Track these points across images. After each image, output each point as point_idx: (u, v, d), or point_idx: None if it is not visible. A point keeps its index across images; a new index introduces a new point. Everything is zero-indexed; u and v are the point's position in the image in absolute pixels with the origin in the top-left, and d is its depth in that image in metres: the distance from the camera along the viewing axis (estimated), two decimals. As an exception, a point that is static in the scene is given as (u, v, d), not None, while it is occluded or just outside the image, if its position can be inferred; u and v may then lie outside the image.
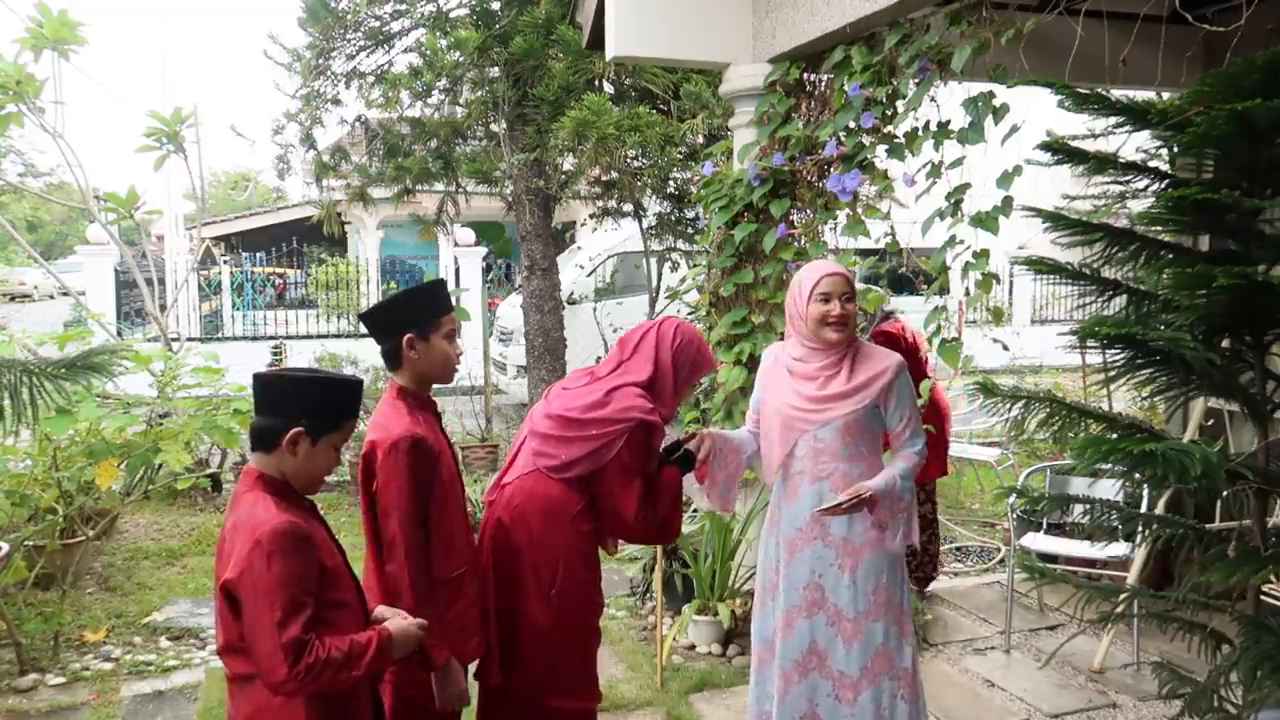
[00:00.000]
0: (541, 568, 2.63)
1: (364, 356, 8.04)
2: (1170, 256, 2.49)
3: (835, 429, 2.76)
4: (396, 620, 2.14)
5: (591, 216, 8.95)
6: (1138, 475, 2.57)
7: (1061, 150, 2.53)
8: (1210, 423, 4.55)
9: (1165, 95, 3.35)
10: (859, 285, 3.26)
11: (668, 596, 4.48)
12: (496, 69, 7.48)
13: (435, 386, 2.61)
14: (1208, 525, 2.80)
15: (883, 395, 2.75)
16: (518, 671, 2.65)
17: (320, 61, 7.92)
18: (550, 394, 2.85)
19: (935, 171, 3.54)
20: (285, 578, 1.91)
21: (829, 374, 2.78)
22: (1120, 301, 2.60)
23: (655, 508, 2.70)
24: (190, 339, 10.05)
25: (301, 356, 8.36)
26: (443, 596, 2.46)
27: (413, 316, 2.49)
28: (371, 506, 2.43)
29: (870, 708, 2.79)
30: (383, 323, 2.50)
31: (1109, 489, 4.08)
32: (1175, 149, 2.52)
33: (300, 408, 2.06)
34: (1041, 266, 2.58)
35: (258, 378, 2.10)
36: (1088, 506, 2.73)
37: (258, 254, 16.99)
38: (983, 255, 3.52)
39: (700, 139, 7.31)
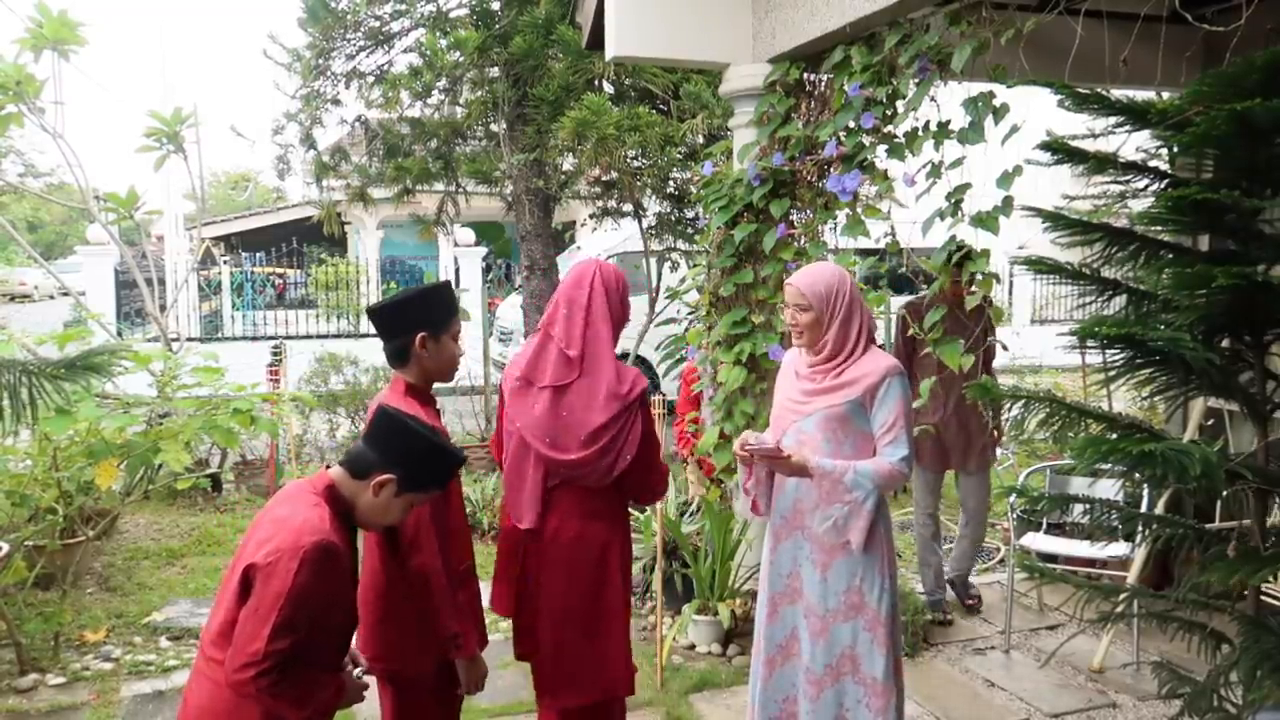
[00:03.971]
0: (616, 562, 2.82)
1: (364, 356, 8.03)
2: (1170, 256, 2.49)
3: (817, 421, 2.78)
4: (353, 678, 2.21)
5: (591, 216, 8.95)
6: (1137, 475, 2.58)
7: (1061, 150, 2.53)
8: (1210, 422, 4.55)
9: (1165, 95, 3.35)
10: (860, 285, 3.25)
11: (667, 596, 4.48)
12: (496, 69, 7.48)
13: (435, 385, 2.62)
14: (1207, 525, 2.80)
15: (867, 397, 2.74)
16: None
17: (320, 61, 7.92)
18: (546, 408, 2.75)
19: (935, 171, 3.54)
20: (302, 592, 1.93)
21: (824, 373, 2.82)
22: (1120, 301, 2.60)
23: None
24: (190, 339, 10.06)
25: (302, 356, 8.33)
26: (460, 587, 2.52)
27: (426, 315, 2.50)
28: None
29: (831, 707, 2.79)
30: (395, 320, 2.51)
31: (1109, 489, 4.08)
32: (1175, 149, 2.52)
33: (404, 459, 2.09)
34: (1041, 266, 2.58)
35: (383, 410, 2.15)
36: (1088, 506, 2.73)
37: (258, 254, 17.02)
38: (983, 255, 3.52)
39: (700, 139, 7.30)
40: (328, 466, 2.18)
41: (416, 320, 2.49)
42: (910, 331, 4.04)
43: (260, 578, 1.93)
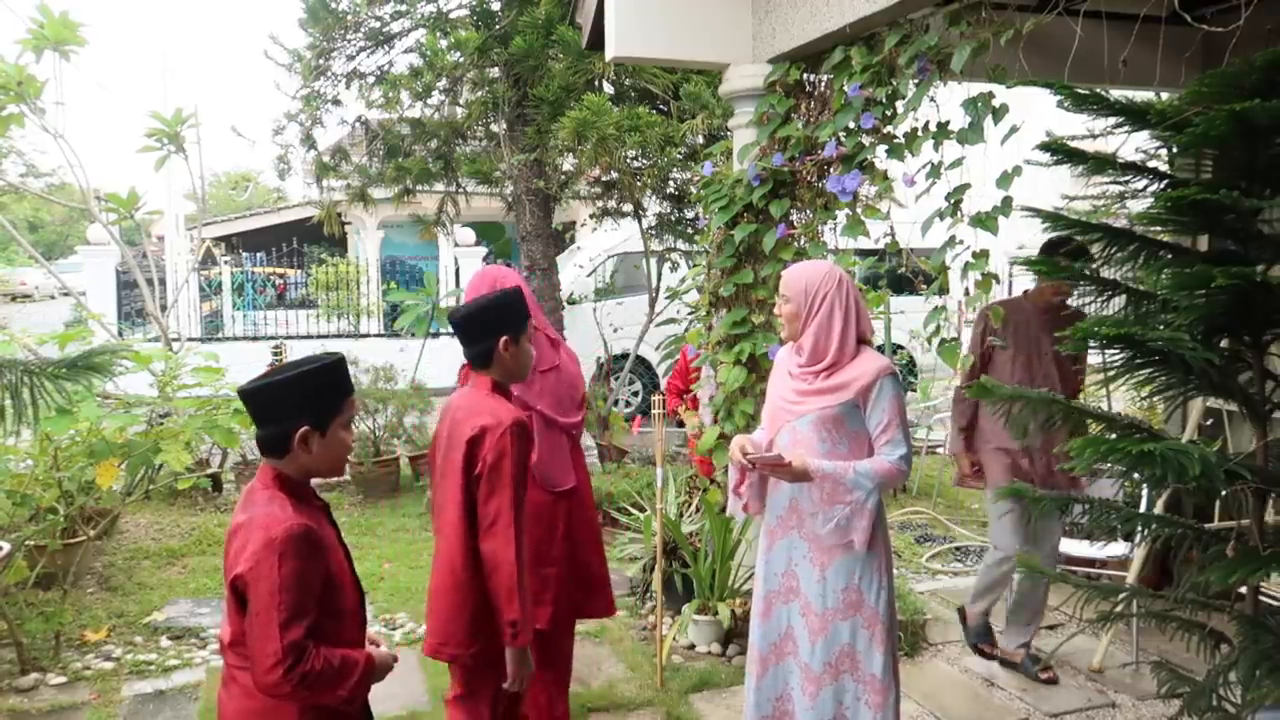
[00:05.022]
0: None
1: (365, 356, 8.03)
2: (1169, 256, 2.50)
3: (811, 422, 2.80)
4: (380, 650, 2.18)
5: (591, 216, 8.96)
6: (1137, 475, 2.58)
7: (1061, 150, 2.53)
8: (1209, 422, 4.55)
9: (1165, 96, 3.36)
10: (859, 285, 3.26)
11: (667, 596, 4.48)
12: (496, 69, 7.49)
13: (442, 385, 2.78)
14: (1206, 525, 2.80)
15: (860, 398, 2.76)
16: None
17: (320, 62, 7.93)
18: (554, 386, 3.21)
19: (935, 172, 3.54)
20: (293, 580, 1.92)
21: (816, 373, 2.83)
22: (1120, 301, 2.60)
23: None
24: (191, 339, 10.07)
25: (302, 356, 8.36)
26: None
27: (509, 320, 2.69)
28: (467, 489, 2.56)
29: (830, 705, 2.80)
30: (481, 325, 2.66)
31: (1108, 489, 4.07)
32: (1174, 149, 2.52)
33: (297, 407, 2.04)
34: (1041, 266, 2.59)
35: (243, 394, 2.06)
36: (1087, 506, 2.73)
37: (258, 254, 17.03)
38: (982, 255, 3.52)
39: (700, 139, 7.31)
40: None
41: (500, 324, 2.67)
42: (989, 340, 4.01)
43: (249, 584, 1.92)
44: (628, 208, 8.21)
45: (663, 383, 7.78)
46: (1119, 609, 2.74)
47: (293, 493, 2.05)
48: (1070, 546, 4.50)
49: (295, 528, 1.94)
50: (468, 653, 2.60)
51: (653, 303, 8.06)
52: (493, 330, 2.64)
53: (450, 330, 3.34)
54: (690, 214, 8.01)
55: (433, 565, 2.70)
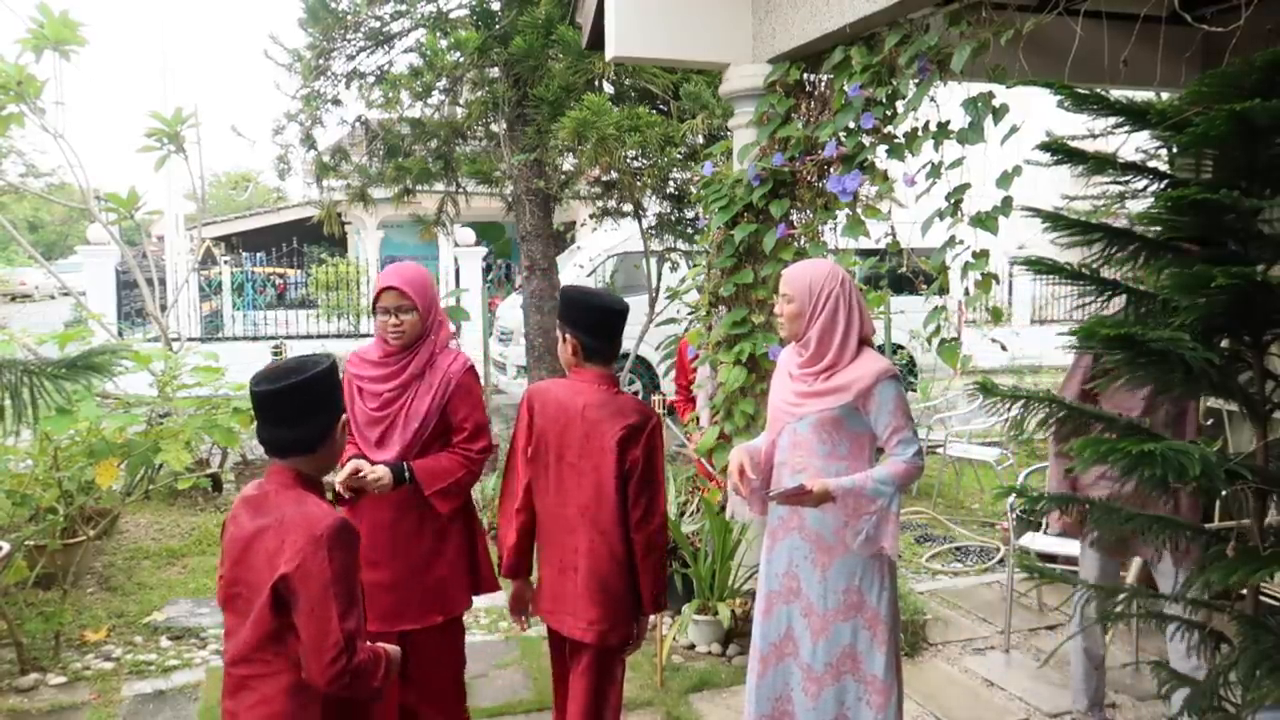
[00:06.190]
0: None
1: (364, 357, 8.05)
2: (1169, 257, 2.49)
3: (811, 424, 2.80)
4: (390, 645, 2.19)
5: (591, 216, 8.95)
6: (1137, 475, 2.57)
7: (1061, 150, 2.53)
8: (1209, 422, 4.55)
9: (1164, 95, 3.35)
10: (860, 285, 3.26)
11: (668, 596, 4.47)
12: (496, 69, 7.48)
13: None
14: (1206, 525, 2.80)
15: (860, 401, 2.75)
16: None
17: (320, 62, 7.93)
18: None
19: (935, 172, 3.54)
20: (343, 572, 1.95)
21: (815, 374, 2.83)
22: (1120, 301, 2.60)
23: None
24: (190, 339, 10.07)
25: (302, 356, 8.36)
26: None
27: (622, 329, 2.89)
28: (621, 485, 2.72)
29: (832, 705, 2.80)
30: (618, 328, 2.87)
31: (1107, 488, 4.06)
32: (1174, 149, 2.52)
33: (333, 399, 2.11)
34: (1040, 266, 2.58)
35: (289, 391, 2.02)
36: (1087, 506, 2.73)
37: (258, 254, 17.06)
38: (982, 255, 3.53)
39: (700, 139, 7.31)
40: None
41: (621, 329, 2.91)
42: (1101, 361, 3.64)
43: (298, 582, 1.93)
44: (628, 208, 8.20)
45: (663, 383, 7.79)
46: (1119, 609, 2.74)
47: (317, 490, 2.09)
48: (1069, 546, 4.50)
49: (337, 521, 1.98)
50: (627, 633, 2.82)
51: (653, 303, 8.05)
52: (619, 332, 2.84)
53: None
54: (690, 214, 8.01)
55: (568, 558, 2.80)
